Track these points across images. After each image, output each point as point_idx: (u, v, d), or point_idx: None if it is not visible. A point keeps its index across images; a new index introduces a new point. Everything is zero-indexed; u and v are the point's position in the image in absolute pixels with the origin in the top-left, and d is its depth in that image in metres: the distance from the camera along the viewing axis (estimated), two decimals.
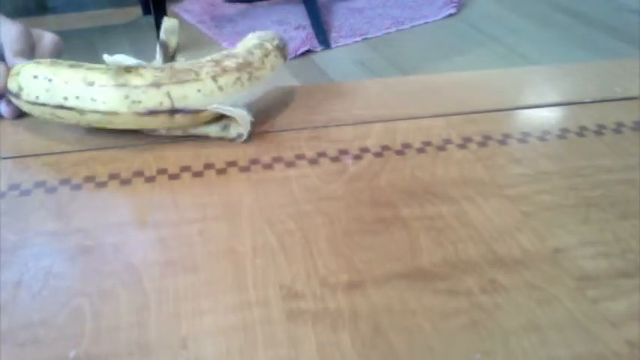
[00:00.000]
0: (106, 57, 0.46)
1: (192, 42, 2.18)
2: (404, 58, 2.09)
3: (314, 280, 0.38)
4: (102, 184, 0.46)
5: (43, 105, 0.47)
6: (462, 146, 0.51)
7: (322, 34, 2.16)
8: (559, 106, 0.58)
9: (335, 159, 0.49)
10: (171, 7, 2.36)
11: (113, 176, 0.47)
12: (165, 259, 0.39)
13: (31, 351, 0.33)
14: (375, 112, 0.55)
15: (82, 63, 0.48)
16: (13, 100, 0.49)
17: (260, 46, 0.52)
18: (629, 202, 0.45)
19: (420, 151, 0.50)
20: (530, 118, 0.56)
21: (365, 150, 0.50)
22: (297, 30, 2.20)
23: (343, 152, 0.50)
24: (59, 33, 0.57)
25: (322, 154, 0.49)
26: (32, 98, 0.47)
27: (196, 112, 0.47)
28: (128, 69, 0.46)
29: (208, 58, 0.50)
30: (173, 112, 0.47)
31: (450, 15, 2.36)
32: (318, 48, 2.12)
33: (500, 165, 0.49)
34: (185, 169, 0.48)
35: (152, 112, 0.46)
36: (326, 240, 0.41)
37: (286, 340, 0.34)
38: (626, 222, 0.43)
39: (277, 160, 0.49)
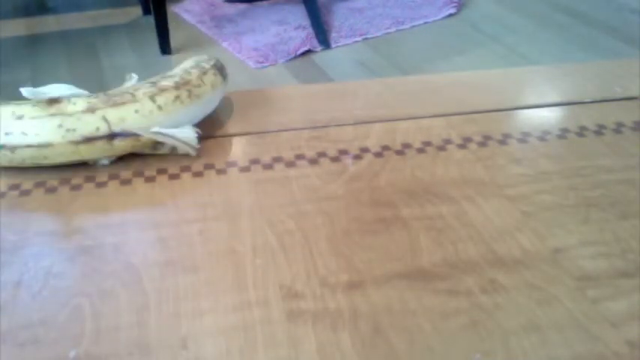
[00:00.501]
0: (24, 90, 0.44)
1: (192, 42, 2.18)
2: (404, 58, 2.09)
3: (314, 280, 0.38)
4: (102, 184, 0.46)
5: None
6: (462, 146, 0.51)
7: (322, 34, 2.16)
8: (559, 106, 0.58)
9: (335, 159, 0.49)
10: (171, 7, 2.36)
11: (113, 176, 0.47)
12: (165, 259, 0.39)
13: (31, 351, 0.33)
14: (375, 112, 0.55)
15: (8, 101, 0.45)
16: None
17: (197, 66, 0.51)
18: (629, 202, 0.45)
19: (420, 151, 0.50)
20: (530, 118, 0.56)
21: (365, 150, 0.50)
22: (297, 30, 2.20)
23: (343, 152, 0.50)
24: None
25: (322, 154, 0.49)
26: None
27: (136, 135, 0.45)
28: (59, 99, 0.44)
29: (143, 81, 0.49)
30: (111, 136, 0.45)
31: (450, 15, 2.36)
32: (318, 48, 2.12)
33: (500, 165, 0.49)
34: (185, 169, 0.48)
35: (89, 139, 0.44)
36: (326, 240, 0.41)
37: (286, 340, 0.34)
38: (626, 222, 0.43)
39: (277, 160, 0.49)
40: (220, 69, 0.53)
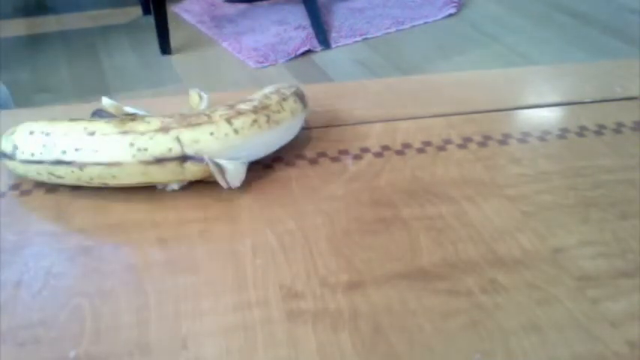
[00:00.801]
0: (104, 99, 0.43)
1: (192, 42, 2.18)
2: (404, 58, 2.09)
3: (314, 280, 0.38)
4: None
5: (39, 163, 0.43)
6: (462, 146, 0.51)
7: (322, 34, 2.16)
8: (559, 106, 0.58)
9: (335, 159, 0.49)
10: (171, 7, 2.36)
11: None
12: (165, 259, 0.39)
13: (31, 351, 0.33)
14: (375, 112, 0.55)
15: (82, 118, 0.44)
16: (7, 163, 0.44)
17: (277, 92, 0.48)
18: (629, 202, 0.45)
19: (420, 151, 0.50)
20: (530, 118, 0.56)
21: (365, 150, 0.50)
22: (297, 30, 2.20)
23: (343, 152, 0.50)
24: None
25: (322, 154, 0.49)
26: (27, 156, 0.43)
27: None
28: (132, 117, 0.44)
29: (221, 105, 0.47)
30: (183, 159, 0.42)
31: (450, 15, 2.36)
32: (318, 48, 2.12)
33: (500, 165, 0.49)
34: None
35: (159, 160, 0.42)
36: (326, 240, 0.41)
37: (286, 340, 0.34)
38: (626, 222, 0.43)
39: (277, 160, 0.49)
40: (301, 97, 0.49)
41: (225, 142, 0.43)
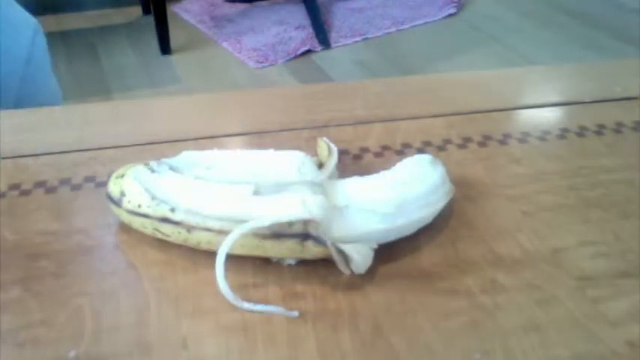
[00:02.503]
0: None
1: (192, 42, 2.18)
2: (404, 58, 2.09)
3: (314, 280, 0.38)
4: (102, 184, 0.46)
5: (145, 216, 0.39)
6: (461, 146, 0.51)
7: (322, 34, 2.16)
8: (559, 106, 0.58)
9: None
10: (171, 7, 2.36)
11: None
12: (165, 259, 0.39)
13: (31, 351, 0.33)
14: (375, 112, 0.55)
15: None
16: (113, 208, 0.41)
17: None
18: (629, 202, 0.45)
19: (420, 151, 0.50)
20: (530, 118, 0.56)
21: (365, 150, 0.50)
22: (297, 30, 2.20)
23: (343, 152, 0.50)
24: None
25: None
26: (134, 207, 0.39)
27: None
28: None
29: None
30: (305, 237, 0.36)
31: (450, 15, 2.36)
32: (318, 48, 2.12)
33: (500, 165, 0.49)
34: None
35: (277, 235, 0.36)
36: None
37: (286, 340, 0.34)
38: (626, 222, 0.43)
39: None
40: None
41: (368, 223, 0.38)
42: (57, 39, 2.17)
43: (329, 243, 0.36)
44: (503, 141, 0.52)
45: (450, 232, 0.42)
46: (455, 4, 2.39)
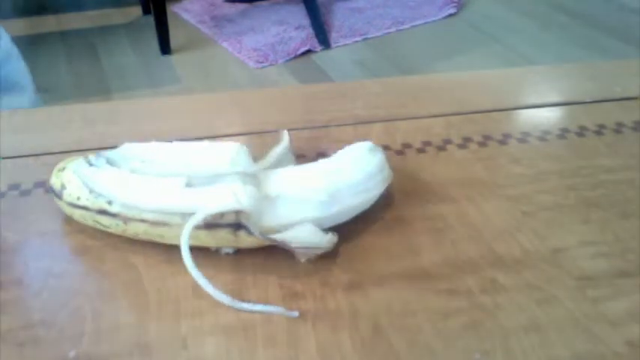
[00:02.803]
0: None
1: (192, 42, 2.18)
2: (404, 58, 2.09)
3: (314, 280, 0.38)
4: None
5: (84, 209, 0.40)
6: (462, 146, 0.51)
7: (322, 34, 2.16)
8: (559, 106, 0.58)
9: None
10: (171, 7, 2.36)
11: None
12: (166, 259, 0.39)
13: (31, 351, 0.33)
14: (375, 112, 0.55)
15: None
16: (56, 201, 0.41)
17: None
18: (629, 202, 0.45)
19: (420, 151, 0.50)
20: (530, 118, 0.56)
21: None
22: (297, 30, 2.20)
23: None
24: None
25: (322, 154, 0.49)
26: (73, 199, 0.40)
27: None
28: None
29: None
30: (237, 227, 0.37)
31: (450, 15, 2.36)
32: (318, 48, 2.12)
33: (500, 165, 0.49)
34: None
35: (211, 226, 0.37)
36: None
37: (286, 340, 0.34)
38: (626, 222, 0.43)
39: None
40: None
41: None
42: (57, 39, 2.17)
43: (257, 233, 0.37)
44: (503, 141, 0.52)
45: (450, 232, 0.42)
46: (455, 4, 2.39)
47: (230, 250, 0.40)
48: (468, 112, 0.55)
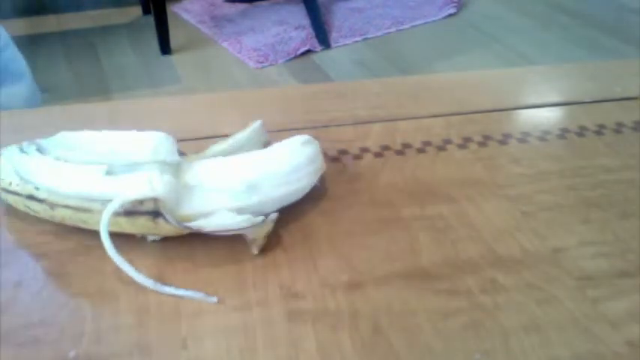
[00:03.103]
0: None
1: (192, 42, 2.18)
2: (404, 58, 2.09)
3: (314, 280, 0.38)
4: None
5: (16, 194, 0.41)
6: (462, 146, 0.51)
7: (322, 34, 2.16)
8: (559, 106, 0.58)
9: (335, 159, 0.49)
10: (171, 7, 2.36)
11: None
12: (166, 260, 0.39)
13: (31, 351, 0.33)
14: (375, 112, 0.55)
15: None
16: None
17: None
18: (629, 202, 0.45)
19: (420, 151, 0.50)
20: (530, 118, 0.56)
21: (365, 150, 0.50)
22: (297, 30, 2.20)
23: (343, 152, 0.50)
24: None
25: (322, 154, 0.49)
26: (6, 185, 0.41)
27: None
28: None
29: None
30: (156, 214, 0.37)
31: (450, 15, 2.36)
32: (318, 48, 2.12)
33: (500, 165, 0.49)
34: None
35: (130, 213, 0.38)
36: (326, 240, 0.41)
37: (286, 340, 0.34)
38: (626, 222, 0.43)
39: None
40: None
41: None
42: (57, 39, 2.17)
43: (173, 220, 0.37)
44: (503, 141, 0.52)
45: (450, 232, 0.42)
46: (455, 4, 2.39)
47: (157, 238, 0.40)
48: (467, 112, 0.55)
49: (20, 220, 0.42)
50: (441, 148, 0.50)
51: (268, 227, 0.39)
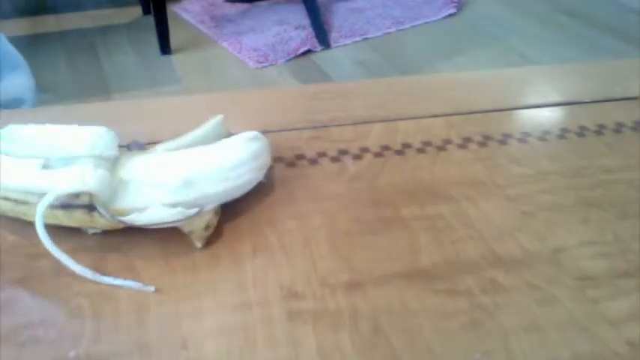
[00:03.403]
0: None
1: (192, 42, 2.18)
2: (404, 58, 2.09)
3: (314, 280, 0.38)
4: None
5: None
6: (462, 146, 0.51)
7: (322, 34, 2.16)
8: (559, 106, 0.58)
9: (335, 159, 0.49)
10: (171, 7, 2.36)
11: None
12: (166, 259, 0.39)
13: (31, 351, 0.33)
14: (375, 112, 0.55)
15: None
16: None
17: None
18: (629, 202, 0.45)
19: (420, 151, 0.50)
20: (530, 118, 0.56)
21: (365, 150, 0.50)
22: (297, 30, 2.19)
23: (343, 152, 0.50)
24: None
25: (322, 154, 0.49)
26: None
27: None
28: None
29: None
30: (91, 208, 0.38)
31: (450, 15, 2.36)
32: (318, 48, 2.11)
33: (500, 165, 0.49)
34: None
35: (66, 206, 0.38)
36: (326, 240, 0.41)
37: (286, 340, 0.34)
38: (626, 222, 0.43)
39: (278, 160, 0.49)
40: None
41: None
42: (57, 39, 2.17)
43: (107, 214, 0.38)
44: (503, 141, 0.52)
45: (450, 232, 0.42)
46: (455, 4, 2.39)
47: (97, 231, 0.41)
48: (467, 112, 0.55)
49: (20, 220, 0.42)
50: (441, 148, 0.50)
51: (206, 219, 0.39)
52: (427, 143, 0.51)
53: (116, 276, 0.38)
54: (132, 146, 0.45)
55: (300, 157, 0.49)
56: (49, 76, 1.94)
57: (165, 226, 0.39)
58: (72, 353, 0.33)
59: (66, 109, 0.58)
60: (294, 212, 0.43)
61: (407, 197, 0.45)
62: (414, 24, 2.28)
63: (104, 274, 0.38)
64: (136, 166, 0.41)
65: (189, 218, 0.38)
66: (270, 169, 0.46)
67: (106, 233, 0.41)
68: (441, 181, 0.47)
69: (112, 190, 0.39)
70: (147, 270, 0.39)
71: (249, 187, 0.43)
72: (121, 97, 1.85)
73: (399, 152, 0.50)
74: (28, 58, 0.94)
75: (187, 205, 0.39)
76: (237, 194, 0.42)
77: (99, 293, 0.37)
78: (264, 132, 0.52)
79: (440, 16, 2.34)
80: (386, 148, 0.50)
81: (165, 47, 2.09)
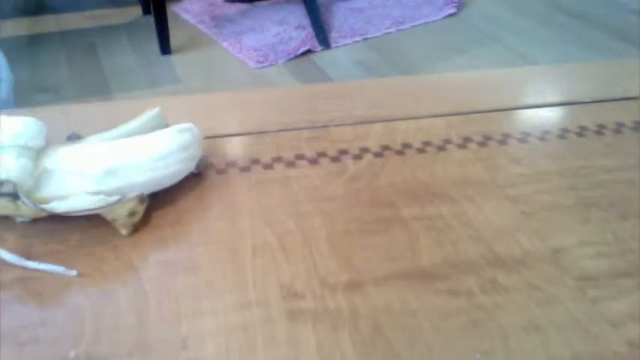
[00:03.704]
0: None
1: (192, 42, 2.18)
2: (404, 58, 2.09)
3: (314, 280, 0.38)
4: None
5: None
6: (462, 146, 0.51)
7: (322, 34, 2.16)
8: (559, 106, 0.58)
9: (335, 159, 0.49)
10: (171, 7, 2.36)
11: None
12: (165, 259, 0.39)
13: (31, 351, 0.33)
14: (375, 112, 0.55)
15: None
16: None
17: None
18: (629, 202, 0.45)
19: (420, 151, 0.50)
20: (530, 118, 0.56)
21: (365, 150, 0.50)
22: (297, 30, 2.20)
23: (343, 152, 0.50)
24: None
25: (322, 154, 0.49)
26: None
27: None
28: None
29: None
30: (15, 196, 0.39)
31: (450, 15, 2.36)
32: (318, 48, 2.12)
33: (500, 165, 0.49)
34: None
35: None
36: (326, 240, 0.41)
37: (286, 340, 0.34)
38: (626, 222, 0.43)
39: (277, 160, 0.49)
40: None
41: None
42: (57, 39, 2.17)
43: (29, 203, 0.38)
44: (503, 141, 0.52)
45: (450, 232, 0.42)
46: (455, 4, 2.39)
47: (26, 219, 0.41)
48: (468, 112, 0.55)
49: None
50: (440, 148, 0.50)
51: (128, 207, 0.40)
52: (427, 143, 0.51)
53: (41, 261, 0.38)
54: (71, 137, 0.45)
55: (300, 157, 0.49)
56: (49, 76, 1.94)
57: (87, 213, 0.39)
58: (72, 353, 0.33)
59: (66, 109, 0.58)
60: (294, 212, 0.43)
61: (407, 197, 0.45)
62: (414, 24, 2.28)
63: (29, 259, 0.38)
64: (61, 156, 0.41)
65: (111, 205, 0.39)
66: (270, 169, 0.45)
67: (35, 221, 0.41)
68: (441, 181, 0.47)
69: (35, 179, 0.40)
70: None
71: (180, 177, 0.44)
72: (121, 97, 1.85)
73: (399, 152, 0.50)
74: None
75: (109, 193, 0.40)
76: (165, 184, 0.43)
77: (99, 293, 0.37)
78: (264, 132, 0.52)
79: (440, 16, 2.34)
80: (386, 148, 0.50)
81: (165, 47, 2.09)
